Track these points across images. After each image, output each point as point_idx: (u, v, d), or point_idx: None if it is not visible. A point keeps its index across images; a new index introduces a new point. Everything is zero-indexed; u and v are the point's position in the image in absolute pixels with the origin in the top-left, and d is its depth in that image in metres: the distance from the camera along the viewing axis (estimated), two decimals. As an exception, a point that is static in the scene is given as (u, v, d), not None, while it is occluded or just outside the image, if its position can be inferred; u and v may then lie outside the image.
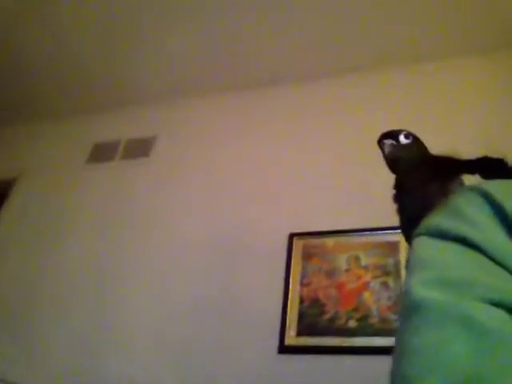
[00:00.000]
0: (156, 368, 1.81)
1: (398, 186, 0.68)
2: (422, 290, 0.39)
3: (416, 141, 0.69)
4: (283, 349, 1.69)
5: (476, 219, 0.43)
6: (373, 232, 1.81)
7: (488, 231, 0.41)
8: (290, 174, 2.17)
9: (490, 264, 0.39)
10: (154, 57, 2.49)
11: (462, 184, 0.62)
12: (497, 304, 0.35)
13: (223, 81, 2.56)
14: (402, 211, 0.66)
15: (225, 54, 2.41)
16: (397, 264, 1.71)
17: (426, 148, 0.70)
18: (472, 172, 0.58)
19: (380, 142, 0.69)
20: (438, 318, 0.36)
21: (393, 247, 1.74)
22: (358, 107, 2.27)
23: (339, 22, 2.18)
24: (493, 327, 0.34)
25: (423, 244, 0.46)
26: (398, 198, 0.67)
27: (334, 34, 2.24)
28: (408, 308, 0.39)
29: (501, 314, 0.35)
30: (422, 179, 0.61)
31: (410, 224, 0.57)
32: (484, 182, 0.51)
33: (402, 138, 0.67)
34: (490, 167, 0.56)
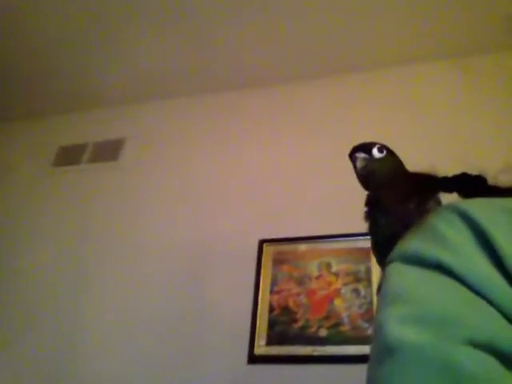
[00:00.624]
0: (125, 374, 1.76)
1: (371, 203, 0.64)
2: (397, 329, 0.34)
3: (390, 155, 0.65)
4: (253, 358, 1.64)
5: (455, 243, 0.39)
6: (344, 238, 1.78)
7: (468, 257, 0.37)
8: (260, 179, 2.12)
9: (471, 296, 0.35)
10: (121, 57, 2.39)
11: (439, 203, 0.58)
12: (482, 347, 0.32)
13: (194, 83, 2.48)
14: (374, 230, 0.62)
15: (197, 55, 2.33)
16: (368, 271, 1.69)
17: (401, 163, 0.66)
18: (450, 190, 0.55)
19: (351, 156, 0.64)
20: (416, 363, 0.32)
21: (364, 254, 1.71)
22: (330, 113, 2.24)
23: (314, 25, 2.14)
24: (479, 374, 0.30)
25: (398, 272, 0.42)
26: (370, 216, 0.63)
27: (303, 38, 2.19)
28: (382, 348, 0.35)
29: (487, 358, 0.31)
30: (397, 197, 0.57)
31: (383, 245, 0.54)
32: (462, 201, 0.47)
33: (375, 152, 0.63)
34: (468, 185, 0.53)
